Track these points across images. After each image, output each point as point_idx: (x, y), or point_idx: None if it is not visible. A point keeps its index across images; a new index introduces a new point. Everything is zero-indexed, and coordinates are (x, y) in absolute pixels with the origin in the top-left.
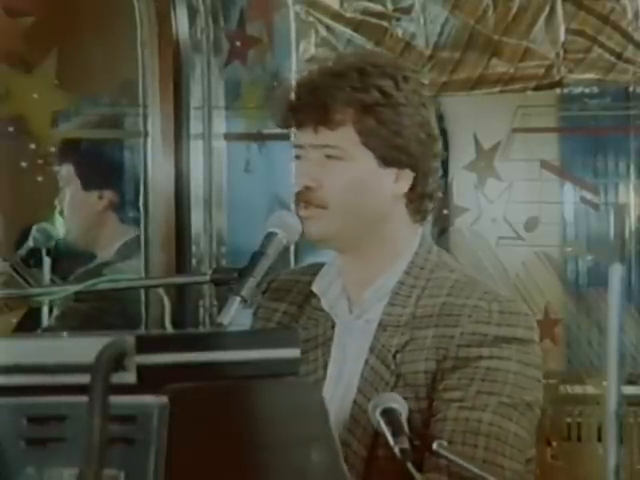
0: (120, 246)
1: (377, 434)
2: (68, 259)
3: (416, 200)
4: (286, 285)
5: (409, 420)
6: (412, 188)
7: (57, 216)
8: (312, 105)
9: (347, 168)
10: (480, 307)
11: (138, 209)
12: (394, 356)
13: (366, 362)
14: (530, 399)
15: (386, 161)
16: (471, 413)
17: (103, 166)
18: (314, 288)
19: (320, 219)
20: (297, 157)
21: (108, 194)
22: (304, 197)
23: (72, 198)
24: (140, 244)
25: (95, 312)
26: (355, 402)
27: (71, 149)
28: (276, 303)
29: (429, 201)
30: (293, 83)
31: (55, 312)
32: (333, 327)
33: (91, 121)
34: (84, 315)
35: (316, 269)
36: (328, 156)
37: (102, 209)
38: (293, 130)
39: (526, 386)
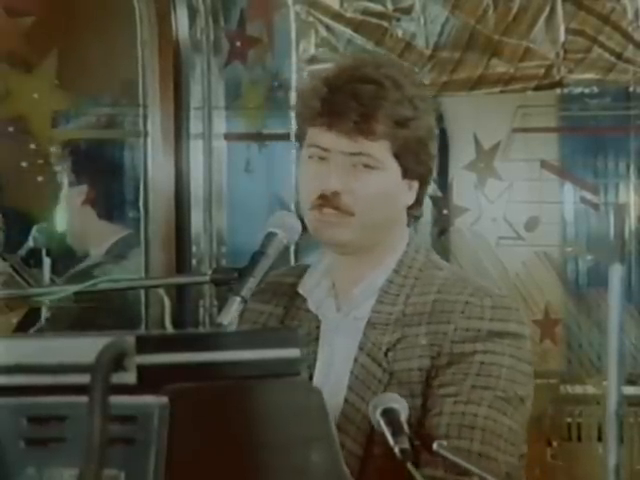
0: (110, 246)
1: (372, 432)
2: (68, 259)
3: (416, 208)
4: (271, 287)
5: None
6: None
7: (57, 216)
8: (353, 112)
9: (378, 178)
10: (472, 303)
11: (138, 209)
12: (385, 354)
13: (355, 360)
14: (523, 393)
15: (407, 173)
16: (467, 407)
17: (84, 163)
18: (300, 290)
19: (346, 226)
20: (321, 158)
21: (83, 189)
22: (331, 202)
23: (63, 196)
24: (132, 244)
25: (89, 314)
26: (347, 401)
27: (69, 148)
28: (262, 305)
29: (421, 207)
30: (320, 83)
31: (46, 314)
32: (318, 328)
33: (91, 121)
34: (76, 317)
35: (300, 270)
36: (362, 165)
37: (80, 204)
38: (312, 129)
39: (519, 380)
